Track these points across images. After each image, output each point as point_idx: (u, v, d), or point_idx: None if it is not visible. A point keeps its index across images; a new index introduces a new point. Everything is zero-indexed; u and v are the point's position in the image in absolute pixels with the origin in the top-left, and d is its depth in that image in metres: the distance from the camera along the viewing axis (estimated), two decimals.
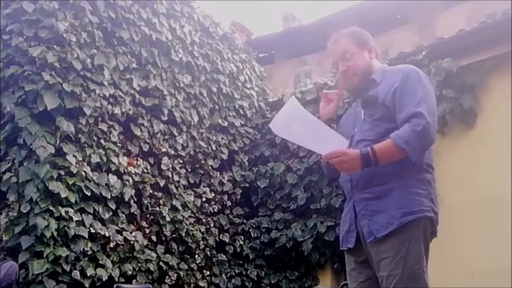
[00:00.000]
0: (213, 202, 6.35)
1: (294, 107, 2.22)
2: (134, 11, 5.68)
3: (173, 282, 5.53)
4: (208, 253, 6.11)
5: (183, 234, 5.79)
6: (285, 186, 6.75)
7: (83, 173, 4.83)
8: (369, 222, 2.14)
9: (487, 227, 5.32)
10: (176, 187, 5.93)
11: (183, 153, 6.09)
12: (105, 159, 5.10)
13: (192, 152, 6.22)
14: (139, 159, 5.52)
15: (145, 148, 5.64)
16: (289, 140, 2.38)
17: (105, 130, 5.20)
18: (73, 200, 4.69)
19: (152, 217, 5.57)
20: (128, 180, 5.25)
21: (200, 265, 5.97)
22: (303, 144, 2.35)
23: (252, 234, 6.67)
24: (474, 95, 5.66)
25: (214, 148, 6.53)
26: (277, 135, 2.29)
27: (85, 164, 4.91)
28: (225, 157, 6.70)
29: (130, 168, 5.31)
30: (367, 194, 2.16)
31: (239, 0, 33.07)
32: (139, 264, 5.22)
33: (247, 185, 6.91)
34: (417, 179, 2.13)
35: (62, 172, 4.70)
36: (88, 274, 4.68)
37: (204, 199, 6.24)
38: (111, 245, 4.98)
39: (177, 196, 5.88)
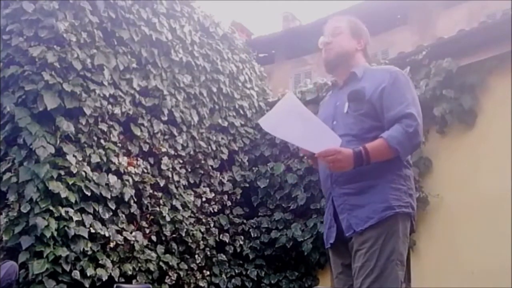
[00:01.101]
0: (213, 202, 6.35)
1: (292, 102, 2.19)
2: (134, 11, 5.68)
3: (173, 282, 5.53)
4: (208, 253, 6.11)
5: (183, 234, 5.79)
6: (285, 186, 6.75)
7: (83, 173, 4.83)
8: (348, 216, 2.15)
9: (487, 227, 5.33)
10: (176, 187, 5.93)
11: (183, 153, 6.09)
12: (105, 159, 5.10)
13: (192, 152, 6.22)
14: (139, 159, 5.52)
15: (145, 148, 5.64)
16: (278, 136, 2.34)
17: (105, 130, 5.20)
18: (73, 200, 4.69)
19: (152, 217, 5.57)
20: (128, 180, 5.25)
21: (200, 265, 5.96)
22: (293, 141, 2.32)
23: (252, 234, 6.67)
24: (474, 95, 5.66)
25: (214, 148, 6.53)
26: (266, 131, 2.25)
27: (85, 164, 4.91)
28: (225, 157, 6.70)
29: (130, 168, 5.31)
30: (347, 190, 2.17)
31: (239, 0, 33.06)
32: (139, 264, 5.22)
33: (247, 185, 6.91)
34: (397, 175, 2.15)
35: (62, 172, 4.70)
36: (88, 274, 4.68)
37: (204, 199, 6.24)
38: (111, 245, 4.98)
39: (177, 196, 5.88)
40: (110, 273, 4.89)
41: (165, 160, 5.79)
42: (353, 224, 2.12)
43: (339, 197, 2.19)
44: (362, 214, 2.10)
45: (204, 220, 6.17)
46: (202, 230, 6.04)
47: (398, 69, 2.28)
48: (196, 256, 5.94)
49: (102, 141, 5.16)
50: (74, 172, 4.77)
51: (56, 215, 4.56)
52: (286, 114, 2.15)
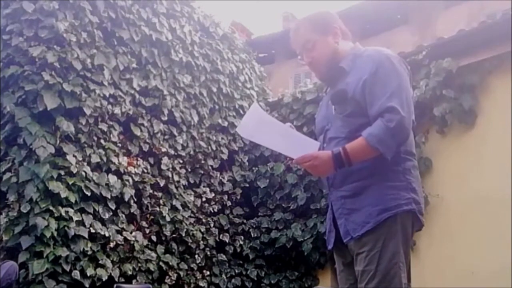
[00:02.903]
0: (213, 202, 6.35)
1: (257, 113, 2.16)
2: (134, 11, 5.68)
3: (173, 282, 5.53)
4: (208, 253, 6.11)
5: (183, 234, 5.79)
6: (285, 186, 6.75)
7: (83, 173, 4.83)
8: (345, 221, 2.07)
9: (487, 227, 5.33)
10: (176, 187, 5.93)
11: (183, 153, 6.09)
12: (105, 159, 5.09)
13: (192, 152, 6.22)
14: (139, 159, 5.52)
15: (145, 148, 5.64)
16: (260, 144, 2.29)
17: (105, 130, 5.20)
18: (73, 200, 4.69)
19: (152, 217, 5.57)
20: (128, 180, 5.25)
21: (200, 265, 5.96)
22: (274, 148, 2.23)
23: (252, 234, 6.66)
24: (474, 95, 5.66)
25: (214, 148, 6.53)
26: (247, 139, 2.23)
27: (85, 164, 4.91)
28: (225, 157, 6.70)
29: (130, 168, 5.31)
30: (344, 192, 2.09)
31: (239, 0, 33.06)
32: (139, 264, 5.22)
33: (247, 185, 6.91)
34: (394, 170, 2.03)
35: (62, 172, 4.70)
36: (88, 274, 4.68)
37: (204, 199, 6.24)
38: (111, 245, 4.98)
39: (177, 196, 5.88)
40: (110, 273, 4.89)
41: (165, 160, 5.79)
42: (350, 230, 2.05)
43: (336, 201, 2.13)
44: (359, 219, 2.02)
45: (204, 220, 6.17)
46: (202, 230, 6.04)
47: (385, 52, 2.08)
48: (196, 256, 5.94)
49: (102, 141, 5.16)
50: (74, 172, 4.77)
51: (56, 215, 4.56)
52: (258, 124, 2.13)
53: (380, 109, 1.95)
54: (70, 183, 4.70)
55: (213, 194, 6.36)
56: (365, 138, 1.95)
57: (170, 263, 5.55)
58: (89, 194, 4.82)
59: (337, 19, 2.26)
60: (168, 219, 5.60)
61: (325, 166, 2.00)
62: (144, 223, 5.48)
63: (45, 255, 4.44)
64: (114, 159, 5.16)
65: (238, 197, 6.77)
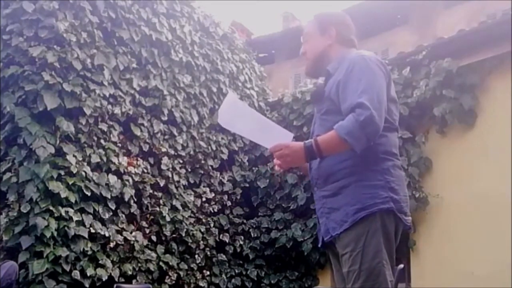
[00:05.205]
0: (213, 202, 6.35)
1: (233, 102, 2.24)
2: (134, 11, 5.67)
3: (173, 282, 5.53)
4: (208, 253, 6.11)
5: (183, 234, 5.79)
6: (285, 186, 6.76)
7: (83, 173, 4.83)
8: (326, 220, 2.12)
9: (487, 227, 5.33)
10: (176, 187, 5.93)
11: (183, 153, 6.09)
12: (105, 159, 5.09)
13: (192, 152, 6.22)
14: (139, 159, 5.52)
15: (145, 148, 5.64)
16: (237, 133, 2.39)
17: (105, 130, 5.19)
18: (73, 200, 4.68)
19: (152, 217, 5.57)
20: (128, 180, 5.25)
21: (200, 265, 5.96)
22: (250, 137, 2.30)
23: (252, 234, 6.67)
24: (474, 95, 5.66)
25: (214, 148, 6.53)
26: (226, 128, 2.30)
27: (85, 164, 4.91)
28: (225, 157, 6.70)
29: (130, 168, 5.31)
30: (325, 192, 2.14)
31: (239, 0, 33.05)
32: (139, 264, 5.22)
33: (247, 185, 6.91)
34: (372, 170, 2.06)
35: (62, 172, 4.70)
36: (88, 274, 4.68)
37: (204, 199, 6.24)
38: (111, 245, 4.98)
39: (177, 196, 5.88)
40: (110, 273, 4.89)
41: (165, 160, 5.79)
42: (330, 228, 2.09)
43: (319, 201, 2.18)
44: (338, 218, 2.06)
45: (204, 220, 6.17)
46: (202, 230, 6.04)
47: (363, 54, 2.13)
48: (196, 256, 5.94)
49: (102, 141, 5.16)
50: (74, 172, 4.77)
51: (56, 215, 4.56)
52: (234, 113, 2.20)
53: (351, 105, 1.99)
54: (70, 183, 4.70)
55: (213, 194, 6.36)
56: (335, 129, 1.99)
57: (170, 263, 5.55)
58: (89, 194, 4.82)
59: (339, 23, 2.32)
60: (168, 219, 5.60)
61: (295, 156, 2.04)
62: (144, 223, 5.47)
63: (45, 255, 4.44)
64: (114, 159, 5.16)
65: (238, 197, 6.77)
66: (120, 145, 5.35)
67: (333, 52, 2.26)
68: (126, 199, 5.18)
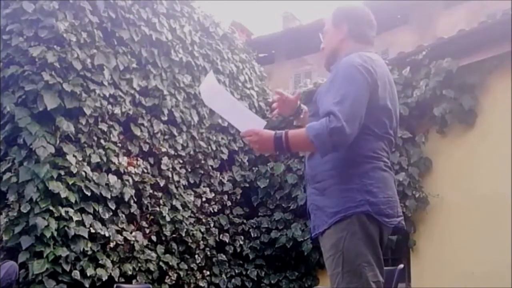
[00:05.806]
0: (213, 202, 6.35)
1: (211, 84, 2.29)
2: (134, 11, 5.67)
3: (173, 282, 5.53)
4: (208, 253, 6.11)
5: (183, 234, 5.79)
6: (285, 186, 6.75)
7: (83, 173, 4.83)
8: (314, 217, 2.16)
9: (487, 227, 5.33)
10: (176, 187, 5.93)
11: (183, 153, 6.09)
12: (105, 159, 5.09)
13: (192, 152, 6.22)
14: (139, 159, 5.52)
15: (145, 148, 5.64)
16: (216, 112, 2.43)
17: (105, 130, 5.20)
18: (73, 200, 4.69)
19: (152, 217, 5.57)
20: (128, 180, 5.25)
21: (200, 265, 5.96)
22: (226, 117, 2.32)
23: (252, 234, 6.67)
24: (474, 95, 5.66)
25: (214, 148, 6.53)
26: (207, 105, 2.37)
27: (85, 164, 4.91)
28: (225, 157, 6.70)
29: (130, 168, 5.31)
30: (313, 189, 2.17)
31: (239, 0, 33.07)
32: (139, 264, 5.22)
33: (247, 185, 6.91)
34: (350, 174, 2.05)
35: (62, 172, 4.70)
36: (88, 274, 4.68)
37: (204, 199, 6.24)
38: (111, 245, 4.98)
39: (177, 196, 5.88)
40: (110, 273, 4.89)
41: (165, 160, 5.79)
42: (315, 226, 2.14)
43: (309, 196, 2.21)
44: (321, 217, 2.10)
45: (204, 220, 6.17)
46: (202, 230, 6.04)
47: (352, 60, 2.08)
48: (196, 256, 5.94)
49: (102, 141, 5.16)
50: (74, 172, 4.77)
51: (56, 215, 4.56)
52: (213, 93, 2.27)
53: (326, 110, 2.00)
54: (70, 183, 4.70)
55: (213, 194, 6.36)
56: (306, 128, 2.01)
57: (170, 263, 5.55)
58: (89, 194, 4.83)
59: (353, 18, 2.26)
60: (168, 219, 5.60)
61: (265, 144, 2.08)
62: (144, 223, 5.48)
63: (45, 255, 4.44)
64: (114, 159, 5.16)
65: (238, 197, 6.77)
66: (120, 145, 5.35)
67: (345, 48, 2.23)
68: (126, 199, 5.18)
